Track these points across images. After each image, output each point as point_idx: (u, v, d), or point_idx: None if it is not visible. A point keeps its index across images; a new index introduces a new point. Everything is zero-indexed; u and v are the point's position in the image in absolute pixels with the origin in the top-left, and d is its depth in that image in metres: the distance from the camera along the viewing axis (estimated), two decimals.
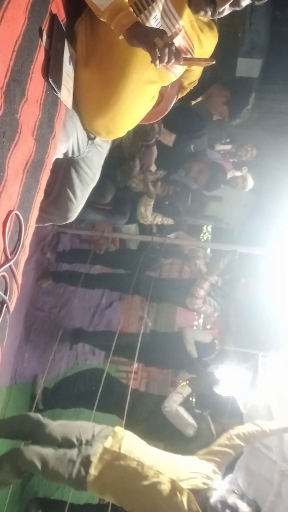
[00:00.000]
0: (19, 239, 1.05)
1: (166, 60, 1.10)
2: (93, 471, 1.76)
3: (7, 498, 2.29)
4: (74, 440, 1.90)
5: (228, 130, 2.97)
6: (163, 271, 3.41)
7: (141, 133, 2.50)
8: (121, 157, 2.81)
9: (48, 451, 1.87)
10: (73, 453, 1.84)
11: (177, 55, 1.11)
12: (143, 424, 2.67)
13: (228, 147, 3.53)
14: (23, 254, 1.10)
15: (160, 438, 2.72)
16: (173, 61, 1.11)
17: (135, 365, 2.97)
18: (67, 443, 1.91)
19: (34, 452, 1.87)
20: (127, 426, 2.28)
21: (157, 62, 1.10)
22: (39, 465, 1.83)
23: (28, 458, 1.85)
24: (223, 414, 2.85)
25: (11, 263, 1.01)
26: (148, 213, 2.93)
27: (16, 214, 1.03)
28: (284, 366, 2.76)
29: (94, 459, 1.79)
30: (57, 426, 1.99)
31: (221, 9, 1.21)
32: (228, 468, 2.68)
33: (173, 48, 1.10)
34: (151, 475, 1.73)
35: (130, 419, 2.49)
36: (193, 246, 3.62)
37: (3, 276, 0.99)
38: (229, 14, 1.26)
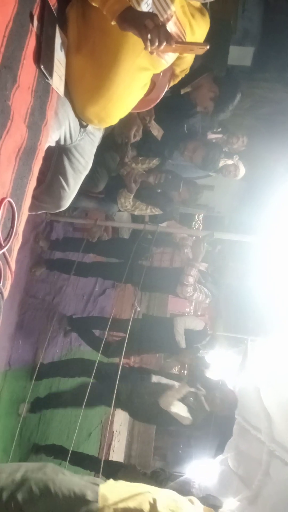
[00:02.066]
0: (12, 226, 1.06)
1: (157, 42, 1.07)
2: None
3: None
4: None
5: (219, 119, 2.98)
6: (154, 260, 3.43)
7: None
8: (113, 145, 2.81)
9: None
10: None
11: (168, 37, 1.09)
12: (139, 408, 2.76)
13: (219, 136, 3.53)
14: (16, 241, 1.11)
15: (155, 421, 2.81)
16: (164, 43, 1.08)
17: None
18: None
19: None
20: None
21: (148, 44, 1.07)
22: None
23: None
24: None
25: (4, 250, 1.03)
26: (127, 204, 2.96)
27: (9, 201, 1.04)
28: (272, 350, 2.84)
29: None
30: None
31: None
32: (218, 449, 2.78)
33: (164, 30, 1.08)
34: None
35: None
36: (184, 235, 3.64)
37: None
38: (221, 0, 1.25)
